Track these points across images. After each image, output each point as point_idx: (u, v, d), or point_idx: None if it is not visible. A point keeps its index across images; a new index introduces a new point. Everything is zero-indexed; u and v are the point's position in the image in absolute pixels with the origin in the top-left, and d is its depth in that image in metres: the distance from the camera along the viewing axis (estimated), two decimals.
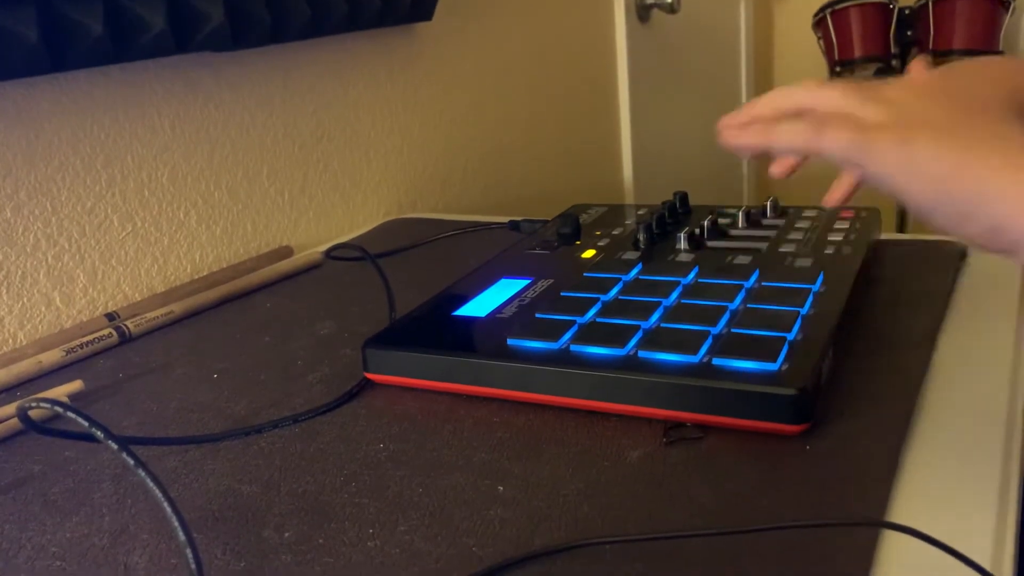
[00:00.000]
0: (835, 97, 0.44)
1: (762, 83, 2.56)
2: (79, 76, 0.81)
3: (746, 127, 0.47)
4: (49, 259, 0.79)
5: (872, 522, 0.42)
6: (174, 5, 0.81)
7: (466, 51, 1.31)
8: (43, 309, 0.79)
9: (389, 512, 0.47)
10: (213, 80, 0.93)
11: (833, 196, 0.58)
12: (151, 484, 0.41)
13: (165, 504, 0.40)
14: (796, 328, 0.56)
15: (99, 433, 0.42)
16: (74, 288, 0.82)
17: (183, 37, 0.83)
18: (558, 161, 1.57)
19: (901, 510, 0.44)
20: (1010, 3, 2.17)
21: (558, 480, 0.49)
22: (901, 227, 2.17)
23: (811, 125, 0.43)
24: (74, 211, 0.81)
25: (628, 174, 1.80)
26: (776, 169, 0.56)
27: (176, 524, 0.40)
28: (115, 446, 0.42)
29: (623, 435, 0.52)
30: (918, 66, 0.52)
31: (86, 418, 0.42)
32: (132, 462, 0.41)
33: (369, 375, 0.62)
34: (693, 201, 0.88)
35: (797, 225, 0.78)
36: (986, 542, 0.41)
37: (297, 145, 1.04)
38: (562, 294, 0.66)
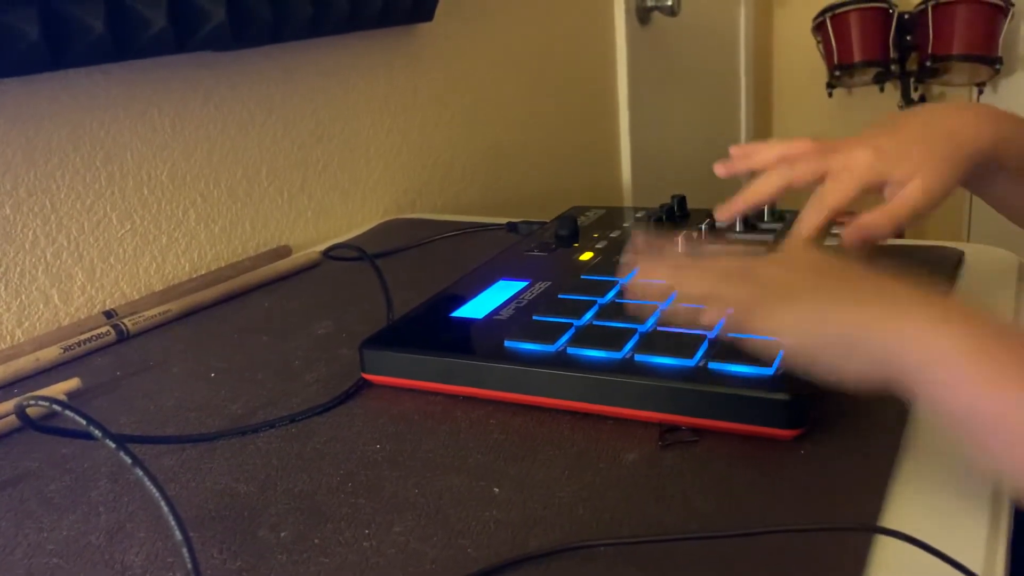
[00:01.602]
0: (734, 266, 0.51)
1: (761, 86, 2.56)
2: (79, 74, 0.81)
3: (655, 271, 0.53)
4: (48, 256, 0.80)
5: (865, 527, 0.43)
6: (175, 3, 0.81)
7: (466, 52, 1.31)
8: (41, 306, 0.79)
9: (385, 513, 0.47)
10: (213, 79, 0.93)
11: None
12: (148, 483, 0.41)
13: (162, 503, 0.40)
14: None
15: (96, 431, 0.42)
16: (72, 286, 0.82)
17: (184, 36, 0.83)
18: (557, 163, 1.57)
19: (894, 515, 0.44)
20: (1009, 8, 2.17)
21: (553, 482, 0.49)
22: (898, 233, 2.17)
23: (713, 279, 0.50)
24: (73, 208, 0.81)
25: (627, 176, 1.80)
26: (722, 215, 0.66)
27: (173, 523, 0.40)
28: (112, 444, 0.42)
29: (619, 438, 0.53)
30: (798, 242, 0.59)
31: (83, 416, 0.42)
32: (129, 460, 0.41)
33: (366, 375, 0.62)
34: (691, 204, 0.88)
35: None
36: (978, 548, 0.41)
37: (296, 145, 1.04)
38: (559, 296, 0.66)
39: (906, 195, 0.59)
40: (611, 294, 0.66)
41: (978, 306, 0.42)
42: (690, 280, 0.51)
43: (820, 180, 0.61)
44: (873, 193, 0.60)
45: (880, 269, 0.46)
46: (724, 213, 0.66)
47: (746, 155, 0.66)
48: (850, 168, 0.60)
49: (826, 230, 0.61)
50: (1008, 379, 0.39)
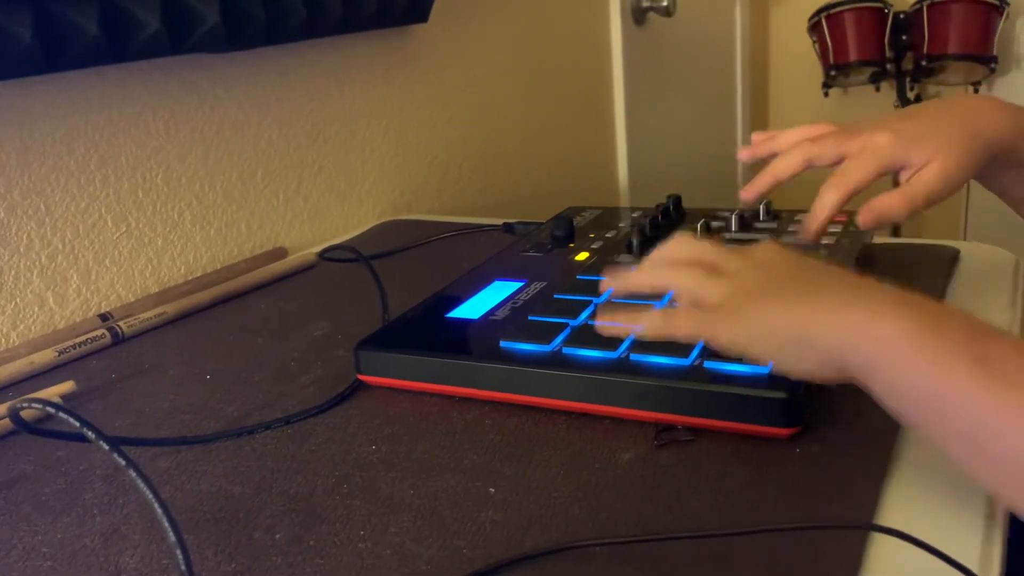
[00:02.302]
0: (686, 279, 0.50)
1: (757, 86, 2.56)
2: (74, 76, 0.81)
3: (615, 314, 0.53)
4: (43, 259, 0.79)
5: (861, 525, 0.43)
6: (169, 5, 0.80)
7: (461, 53, 1.31)
8: (36, 309, 0.79)
9: (380, 514, 0.47)
10: (208, 81, 0.93)
11: None
12: (142, 485, 0.41)
13: (156, 505, 0.40)
14: None
15: (90, 434, 0.42)
16: (67, 288, 0.82)
17: (178, 37, 0.83)
18: (553, 163, 1.57)
19: (890, 513, 0.44)
20: (1004, 7, 2.17)
21: (549, 482, 0.49)
22: (895, 231, 2.18)
23: (664, 318, 0.49)
24: (68, 211, 0.81)
25: (623, 176, 1.80)
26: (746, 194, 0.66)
27: (166, 525, 0.40)
28: (106, 447, 0.42)
29: (614, 437, 0.53)
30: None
31: (77, 418, 0.42)
32: (123, 463, 0.41)
33: (362, 376, 0.62)
34: (687, 204, 0.88)
35: (790, 228, 0.78)
36: (975, 545, 0.41)
37: (292, 146, 1.04)
38: (555, 296, 0.66)
39: (923, 178, 0.59)
40: (607, 294, 0.66)
41: (917, 293, 0.42)
42: (642, 276, 0.52)
43: (840, 161, 0.62)
44: (891, 175, 0.61)
45: (840, 266, 0.46)
46: (749, 192, 0.66)
47: (769, 138, 0.67)
48: (870, 149, 0.60)
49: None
50: (950, 358, 0.39)
